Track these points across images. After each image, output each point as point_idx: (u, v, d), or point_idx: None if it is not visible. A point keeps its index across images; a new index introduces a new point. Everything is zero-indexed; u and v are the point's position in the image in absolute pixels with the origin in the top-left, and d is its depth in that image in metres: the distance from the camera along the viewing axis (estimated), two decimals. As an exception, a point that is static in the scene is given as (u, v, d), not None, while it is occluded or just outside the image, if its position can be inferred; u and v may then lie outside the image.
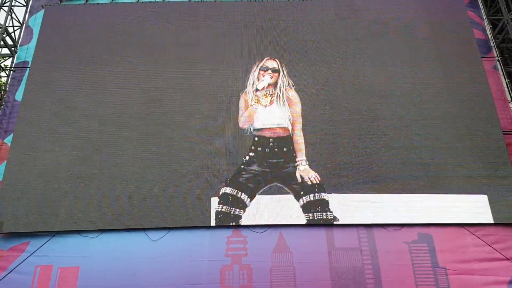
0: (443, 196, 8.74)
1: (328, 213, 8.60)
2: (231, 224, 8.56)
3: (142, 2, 11.21)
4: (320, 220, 8.55)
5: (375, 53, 10.17)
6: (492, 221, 8.49)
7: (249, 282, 8.15)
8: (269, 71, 9.68)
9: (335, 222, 8.53)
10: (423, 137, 9.25)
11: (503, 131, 9.29)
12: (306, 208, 8.65)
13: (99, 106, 9.69)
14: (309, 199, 8.71)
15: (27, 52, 10.64)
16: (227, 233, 8.56)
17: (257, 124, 9.32)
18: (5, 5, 11.28)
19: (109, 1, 11.29)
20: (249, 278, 8.18)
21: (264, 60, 9.90)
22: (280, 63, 9.84)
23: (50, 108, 9.71)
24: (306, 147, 9.19)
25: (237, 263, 8.29)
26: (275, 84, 9.61)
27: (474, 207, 8.63)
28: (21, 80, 10.26)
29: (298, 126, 9.31)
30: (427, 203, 8.67)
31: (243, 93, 9.65)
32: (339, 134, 9.34)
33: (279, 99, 9.44)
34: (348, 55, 10.17)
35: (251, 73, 9.80)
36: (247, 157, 9.07)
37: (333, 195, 8.81)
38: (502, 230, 8.50)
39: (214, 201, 8.77)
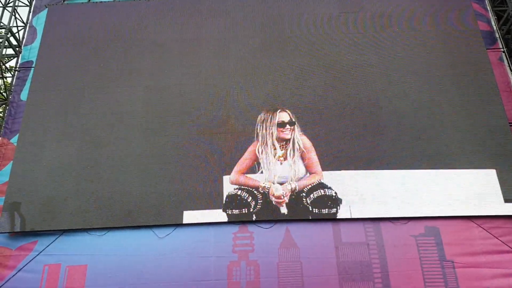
0: (450, 177, 8.76)
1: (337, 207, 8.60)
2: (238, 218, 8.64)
3: (145, -1, 11.26)
4: (326, 215, 8.55)
5: (379, 46, 10.11)
6: (502, 198, 8.50)
7: (256, 278, 8.17)
8: (287, 125, 9.18)
9: (341, 217, 8.52)
10: (429, 130, 9.19)
11: (509, 123, 9.22)
12: (315, 204, 8.64)
13: (103, 104, 9.73)
14: (319, 194, 8.68)
15: (31, 52, 10.67)
16: (233, 229, 8.59)
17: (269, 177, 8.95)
18: (8, 5, 11.31)
19: (112, 0, 11.31)
20: (256, 274, 8.20)
21: (277, 113, 9.32)
22: (291, 113, 9.37)
23: (55, 107, 9.75)
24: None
25: (244, 259, 8.31)
26: (290, 138, 9.15)
27: (482, 187, 8.65)
28: (26, 80, 10.32)
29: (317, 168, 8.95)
30: (434, 194, 8.64)
31: (254, 144, 9.21)
32: (344, 124, 9.35)
33: (292, 154, 9.02)
34: (352, 49, 10.11)
35: (266, 129, 9.22)
36: (258, 207, 8.77)
37: (343, 172, 8.87)
38: (509, 222, 8.44)
39: (226, 179, 8.89)
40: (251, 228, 8.59)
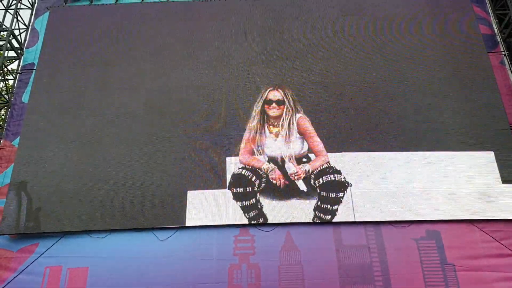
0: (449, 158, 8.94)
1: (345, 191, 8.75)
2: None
3: (147, 2, 11.28)
4: (334, 199, 8.64)
5: (380, 50, 10.13)
6: (500, 180, 8.68)
7: (257, 281, 8.17)
8: (274, 104, 9.34)
9: (344, 220, 8.52)
10: (429, 133, 9.20)
11: (510, 126, 9.22)
12: (323, 188, 8.75)
13: (105, 107, 9.74)
14: (328, 179, 8.78)
15: (33, 54, 10.70)
16: (234, 232, 8.59)
17: (268, 152, 9.16)
18: (11, 7, 11.34)
19: (114, 2, 11.35)
20: (257, 277, 8.19)
21: (267, 91, 9.53)
22: (284, 92, 9.49)
23: (57, 109, 9.76)
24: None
25: (245, 262, 8.31)
26: (280, 116, 9.28)
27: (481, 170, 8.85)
28: (28, 82, 10.34)
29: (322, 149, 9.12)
30: (435, 196, 8.66)
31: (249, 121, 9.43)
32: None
33: (286, 132, 9.13)
34: (353, 52, 10.13)
35: (255, 105, 9.48)
36: (263, 185, 8.89)
37: (344, 154, 9.07)
38: (511, 226, 8.43)
39: (229, 160, 9.10)
40: (252, 231, 8.59)
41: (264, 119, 9.31)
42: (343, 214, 8.58)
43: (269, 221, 8.61)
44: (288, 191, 8.79)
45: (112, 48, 10.45)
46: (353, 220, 8.52)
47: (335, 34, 10.38)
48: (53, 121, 9.64)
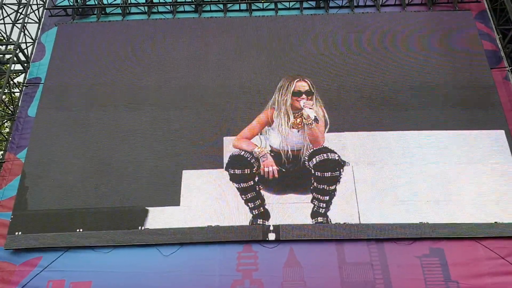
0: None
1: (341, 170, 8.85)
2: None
3: (153, 19, 11.40)
4: (329, 178, 8.73)
5: (383, 66, 10.18)
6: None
7: (260, 297, 8.14)
8: (303, 95, 9.18)
9: (350, 222, 8.56)
10: (433, 151, 9.23)
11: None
12: (317, 167, 8.76)
13: (111, 122, 9.79)
14: (322, 158, 8.76)
15: (39, 68, 10.79)
16: (238, 248, 8.57)
17: (275, 144, 9.18)
18: (18, 21, 11.45)
19: (121, 19, 11.50)
20: (260, 293, 8.17)
21: (295, 82, 9.38)
22: (311, 84, 9.45)
23: (64, 124, 9.83)
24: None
25: (248, 278, 8.28)
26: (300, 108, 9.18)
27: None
28: (33, 96, 10.41)
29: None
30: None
31: (267, 111, 9.48)
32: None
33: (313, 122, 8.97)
34: (357, 68, 10.18)
35: (281, 96, 9.33)
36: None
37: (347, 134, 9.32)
38: (515, 242, 8.39)
39: (226, 140, 9.31)
40: (255, 247, 8.57)
41: (284, 109, 9.16)
42: (348, 216, 8.65)
43: (266, 204, 8.80)
44: (285, 181, 8.91)
45: (118, 64, 10.52)
46: (358, 222, 8.56)
47: (338, 49, 10.44)
48: (60, 135, 9.69)
